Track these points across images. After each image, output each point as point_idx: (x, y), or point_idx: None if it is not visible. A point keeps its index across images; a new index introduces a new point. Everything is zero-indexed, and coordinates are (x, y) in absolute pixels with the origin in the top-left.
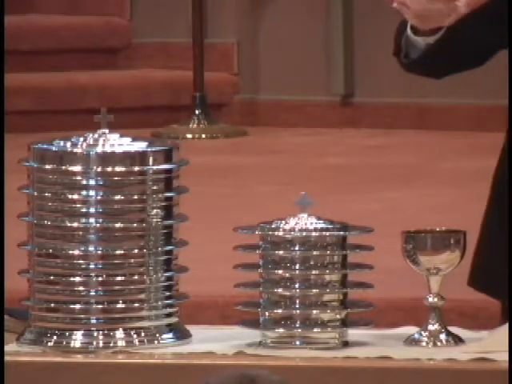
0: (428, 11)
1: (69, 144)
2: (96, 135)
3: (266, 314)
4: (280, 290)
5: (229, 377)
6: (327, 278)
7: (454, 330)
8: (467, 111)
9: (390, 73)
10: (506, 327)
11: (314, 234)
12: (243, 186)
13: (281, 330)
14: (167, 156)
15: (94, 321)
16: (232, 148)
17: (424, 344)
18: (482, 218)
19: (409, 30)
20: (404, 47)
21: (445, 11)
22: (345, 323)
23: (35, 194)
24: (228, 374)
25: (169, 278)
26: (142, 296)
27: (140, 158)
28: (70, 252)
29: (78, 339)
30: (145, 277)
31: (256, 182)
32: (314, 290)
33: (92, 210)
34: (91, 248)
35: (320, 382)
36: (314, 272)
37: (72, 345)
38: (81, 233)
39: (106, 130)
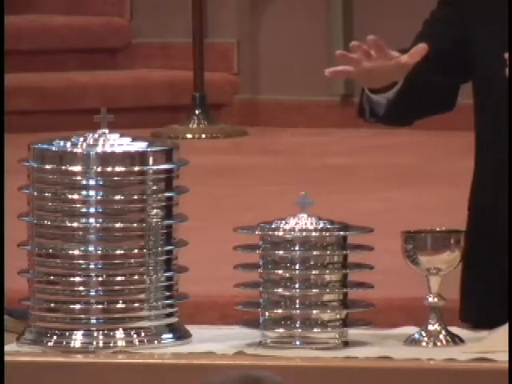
0: (372, 72)
1: (69, 144)
2: (96, 135)
3: (266, 314)
4: (280, 290)
5: (232, 378)
6: (327, 278)
7: (453, 330)
8: (467, 111)
9: None
10: (505, 327)
11: (314, 234)
12: (243, 186)
13: (281, 330)
14: (167, 156)
15: (94, 321)
16: (232, 148)
17: (424, 344)
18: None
19: (366, 90)
20: (367, 106)
21: (390, 69)
22: (345, 323)
23: (35, 193)
24: (231, 375)
25: (169, 278)
26: (142, 296)
27: (140, 158)
28: (70, 252)
29: (78, 339)
30: (145, 277)
31: (256, 182)
32: (314, 290)
33: (92, 209)
34: (91, 248)
35: (320, 381)
36: (314, 272)
37: (72, 345)
38: (81, 233)
39: (106, 130)
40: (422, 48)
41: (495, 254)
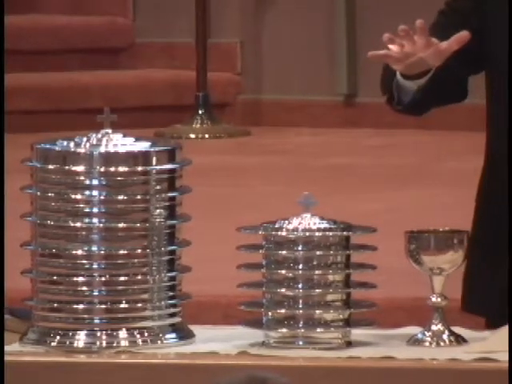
0: (413, 60)
1: (72, 144)
2: (99, 135)
3: (269, 313)
4: (283, 290)
5: (238, 378)
6: (330, 278)
7: (456, 329)
8: (467, 111)
9: None
10: (508, 327)
11: (317, 233)
12: (246, 185)
13: (284, 330)
14: (170, 156)
15: (97, 321)
16: (235, 148)
17: (427, 344)
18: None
19: (399, 76)
20: (396, 94)
21: (428, 55)
22: (348, 323)
23: (38, 193)
24: (237, 376)
25: (172, 278)
26: (146, 296)
27: (143, 157)
28: (74, 252)
29: (81, 339)
30: (148, 277)
31: (259, 182)
32: (317, 290)
33: (95, 209)
34: (94, 248)
35: (323, 382)
36: (317, 272)
37: (75, 345)
38: (84, 233)
39: (109, 130)
40: (463, 36)
41: (504, 242)
